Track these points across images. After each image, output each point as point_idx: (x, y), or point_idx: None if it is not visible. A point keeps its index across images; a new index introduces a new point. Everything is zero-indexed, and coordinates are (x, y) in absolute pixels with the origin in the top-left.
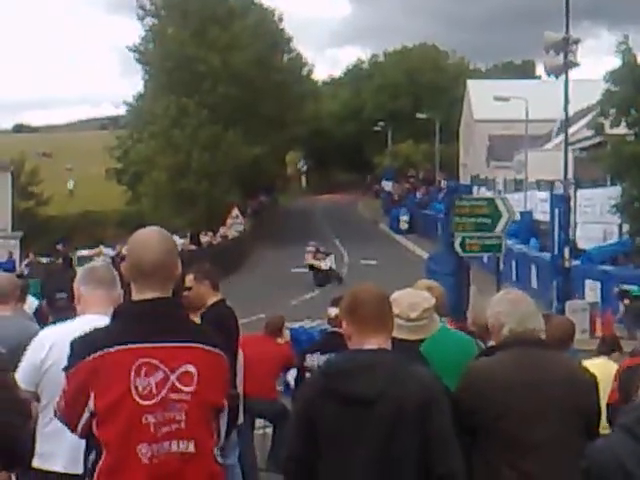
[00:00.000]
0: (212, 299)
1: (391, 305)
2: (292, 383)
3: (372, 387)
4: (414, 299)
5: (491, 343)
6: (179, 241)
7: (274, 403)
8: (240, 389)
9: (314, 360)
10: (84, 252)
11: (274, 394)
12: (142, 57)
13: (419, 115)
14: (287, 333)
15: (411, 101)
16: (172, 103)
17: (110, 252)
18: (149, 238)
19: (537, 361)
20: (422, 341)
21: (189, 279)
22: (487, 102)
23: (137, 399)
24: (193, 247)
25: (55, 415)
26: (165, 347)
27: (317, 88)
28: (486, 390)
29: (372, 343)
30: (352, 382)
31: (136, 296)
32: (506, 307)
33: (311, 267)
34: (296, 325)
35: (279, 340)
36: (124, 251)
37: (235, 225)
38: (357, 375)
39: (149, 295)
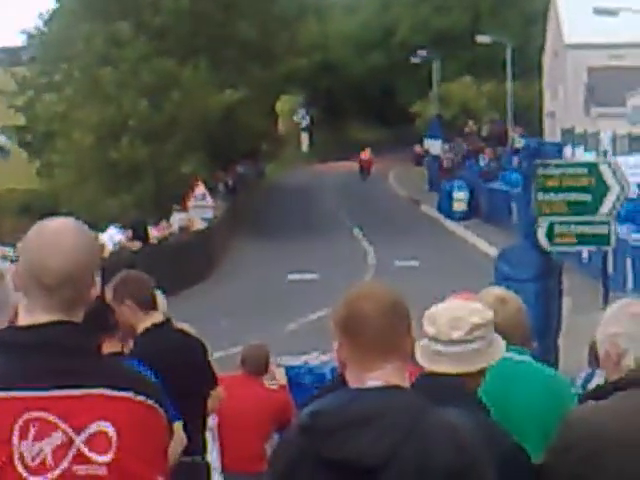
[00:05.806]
0: (144, 323)
1: (407, 315)
2: None
3: (376, 448)
4: (457, 312)
5: (599, 380)
6: (117, 236)
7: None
8: (215, 459)
9: None
10: None
11: (262, 465)
12: None
13: (480, 38)
14: (282, 373)
15: (468, 18)
16: (98, 28)
17: (9, 253)
18: (58, 234)
19: None
20: (478, 376)
21: (109, 297)
22: (585, 17)
23: (23, 473)
24: (138, 244)
25: None
26: (68, 396)
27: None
28: (597, 452)
29: (378, 377)
30: (345, 441)
31: (25, 318)
32: (629, 326)
33: None
34: (296, 361)
35: (269, 384)
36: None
37: (200, 210)
38: (352, 430)
39: (44, 318)
